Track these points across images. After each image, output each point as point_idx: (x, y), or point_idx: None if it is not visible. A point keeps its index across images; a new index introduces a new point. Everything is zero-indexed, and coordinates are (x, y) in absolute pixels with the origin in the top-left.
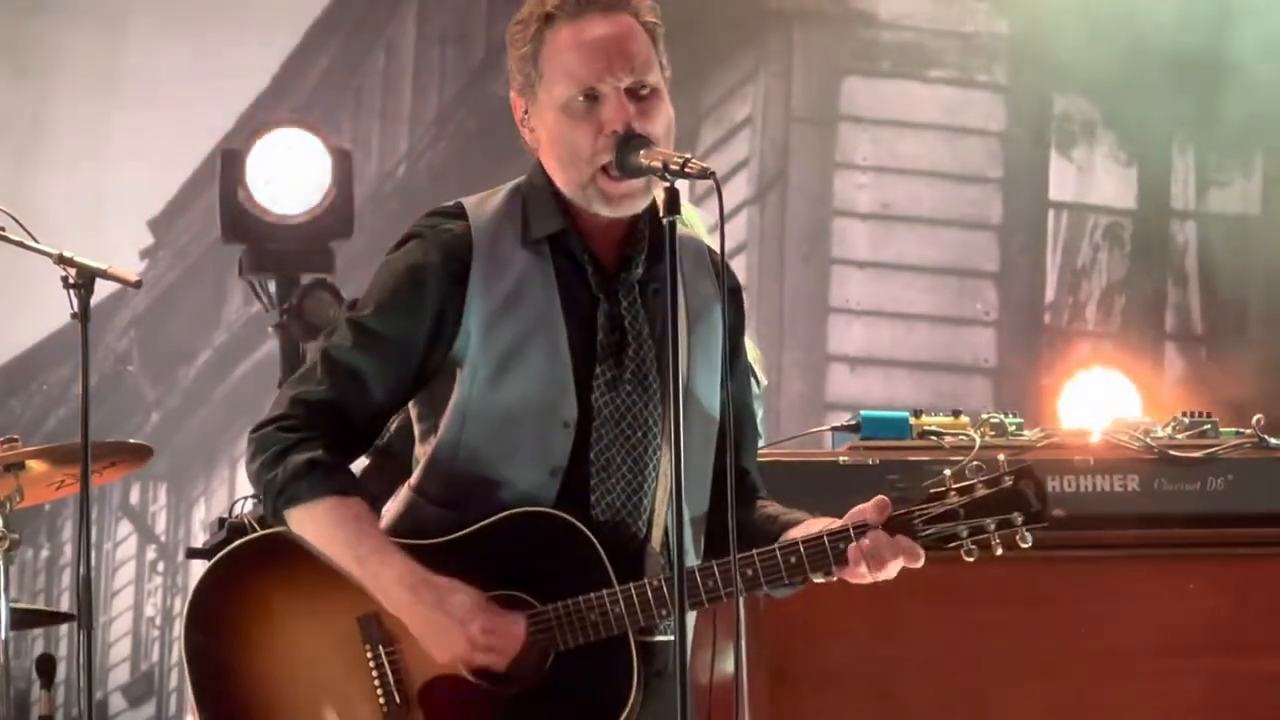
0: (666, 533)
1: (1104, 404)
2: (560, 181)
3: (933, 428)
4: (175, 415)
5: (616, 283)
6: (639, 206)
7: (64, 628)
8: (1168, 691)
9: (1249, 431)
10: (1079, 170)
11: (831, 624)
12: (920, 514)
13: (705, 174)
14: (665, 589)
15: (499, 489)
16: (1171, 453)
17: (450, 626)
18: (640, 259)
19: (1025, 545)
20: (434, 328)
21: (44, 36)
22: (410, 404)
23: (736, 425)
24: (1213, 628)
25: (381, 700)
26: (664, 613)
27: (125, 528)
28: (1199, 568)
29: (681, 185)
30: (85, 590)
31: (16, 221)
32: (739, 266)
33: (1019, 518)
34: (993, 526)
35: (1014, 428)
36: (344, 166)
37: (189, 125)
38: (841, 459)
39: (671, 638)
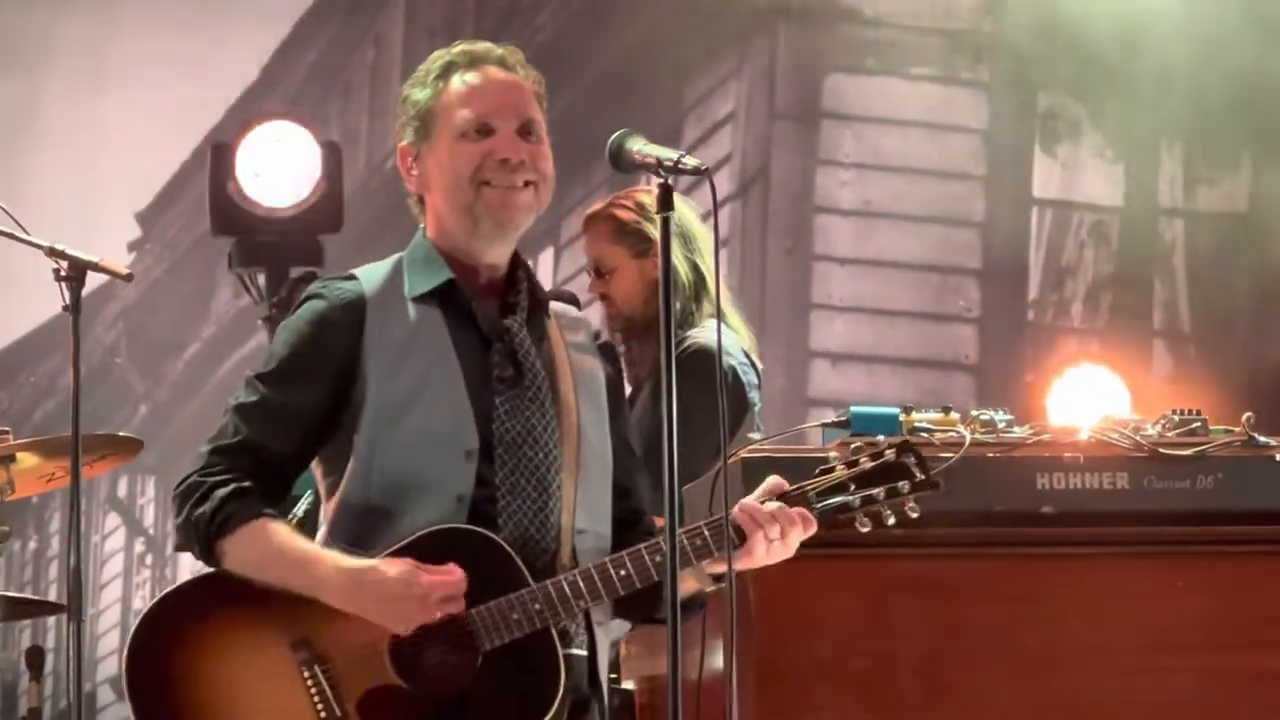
0: (574, 550)
1: (1093, 401)
2: (446, 215)
3: (923, 424)
4: (164, 408)
5: (504, 324)
6: (523, 223)
7: (51, 620)
8: (1157, 689)
9: (1239, 429)
10: (1064, 168)
11: (821, 620)
12: (813, 487)
13: (699, 171)
14: (581, 581)
15: (407, 520)
16: (1161, 450)
17: (398, 599)
18: (524, 304)
19: (914, 515)
20: (335, 378)
21: (33, 28)
22: (316, 463)
23: (627, 471)
24: (1202, 625)
25: (323, 716)
26: (581, 604)
27: (113, 520)
28: (1188, 565)
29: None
30: (75, 581)
31: (7, 213)
32: (720, 262)
33: (905, 486)
34: (881, 496)
35: (1003, 424)
36: (334, 160)
37: (177, 118)
38: (831, 455)
39: (583, 652)
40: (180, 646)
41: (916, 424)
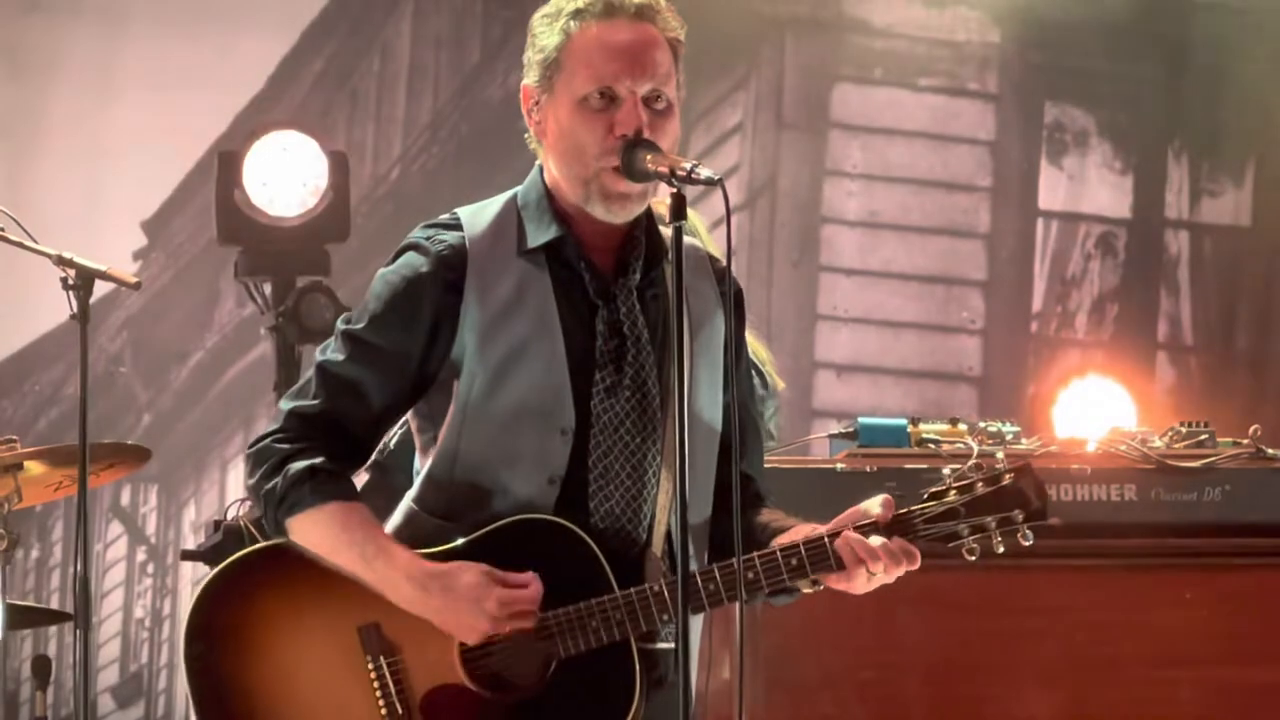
0: (668, 538)
1: (1098, 412)
2: (561, 176)
3: (930, 435)
4: (167, 417)
5: (614, 288)
6: (633, 212)
7: (53, 629)
8: (1164, 700)
9: (1246, 442)
10: (1070, 179)
11: (828, 631)
12: (921, 513)
13: (712, 181)
14: (667, 593)
15: (497, 498)
16: (1169, 462)
17: (466, 609)
18: (638, 265)
19: (1027, 543)
20: (429, 339)
21: (40, 36)
22: (410, 415)
23: (740, 431)
24: (1209, 637)
25: (384, 711)
26: (665, 618)
27: (116, 529)
28: (1196, 577)
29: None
30: (83, 590)
31: (16, 222)
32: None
33: (1020, 515)
34: (994, 524)
35: (1011, 436)
36: (340, 169)
37: (183, 126)
38: (839, 466)
39: (673, 645)
40: (242, 618)
41: (924, 435)
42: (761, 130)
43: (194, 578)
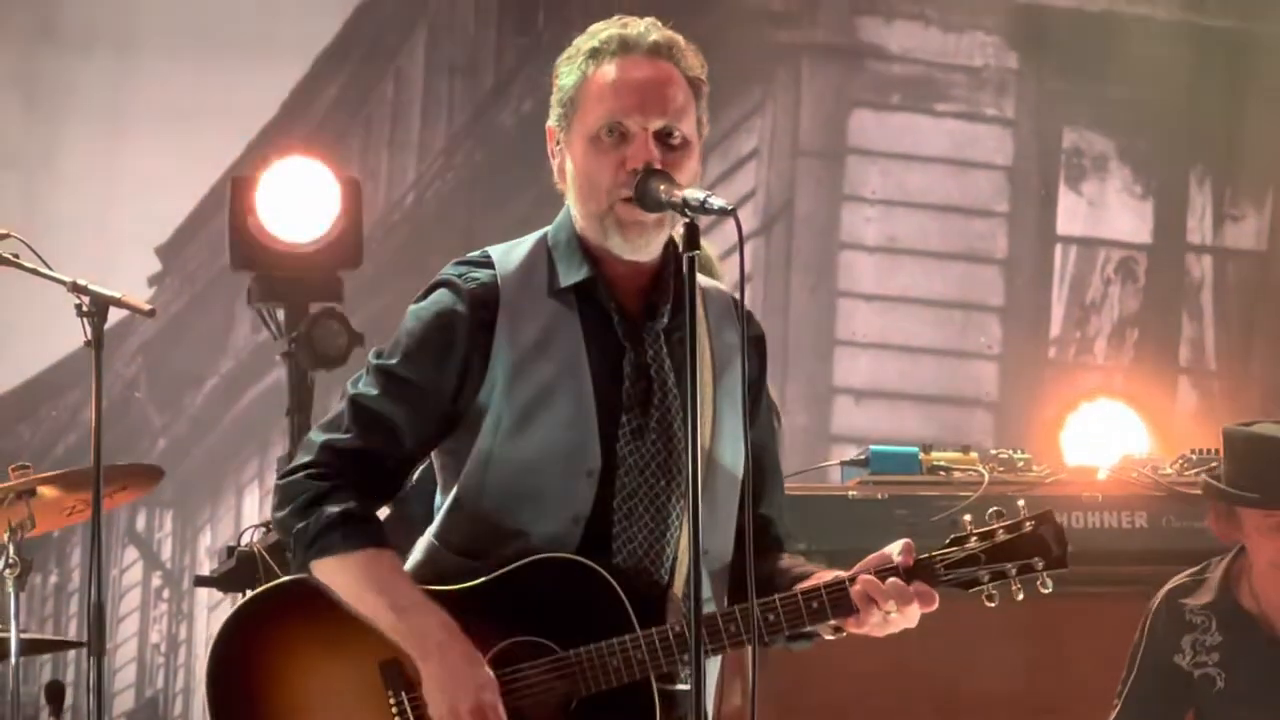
0: (689, 580)
1: (1107, 437)
2: (580, 215)
3: (941, 463)
4: (182, 442)
5: (642, 331)
6: (652, 243)
7: (71, 654)
8: None
9: None
10: (1089, 204)
11: (839, 660)
12: (942, 559)
13: (725, 211)
14: (687, 633)
15: (520, 538)
16: (1179, 490)
17: (459, 686)
18: (666, 308)
19: (1046, 590)
20: (461, 377)
21: (54, 66)
22: (433, 452)
23: (759, 474)
24: None
25: None
26: (685, 658)
27: (131, 554)
28: None
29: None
30: (96, 617)
31: (31, 249)
32: (743, 299)
33: (1039, 563)
34: (1014, 571)
35: (1022, 464)
36: (353, 195)
37: (197, 153)
38: (851, 493)
39: (687, 686)
40: (265, 651)
41: (936, 462)
42: (778, 156)
43: (209, 603)
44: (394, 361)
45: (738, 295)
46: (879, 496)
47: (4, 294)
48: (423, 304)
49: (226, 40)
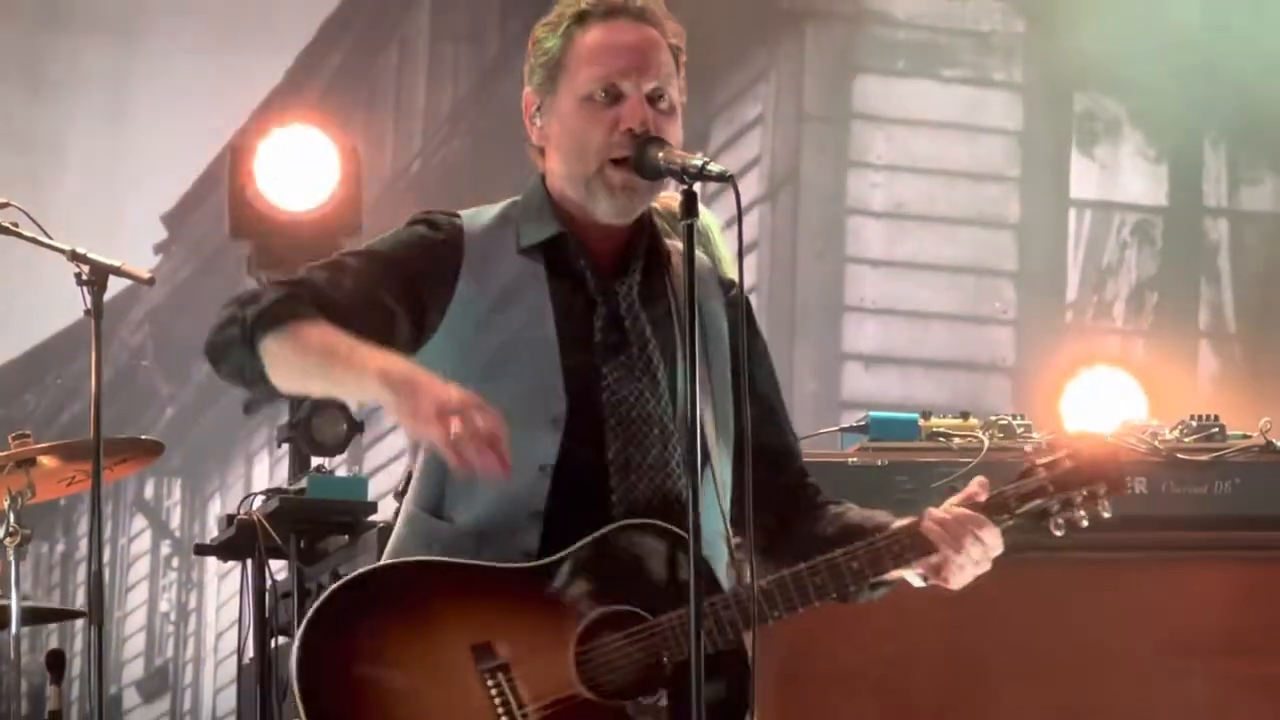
0: (725, 539)
1: (1106, 402)
2: (564, 176)
3: (941, 429)
4: (189, 411)
5: (615, 286)
6: (638, 207)
7: (79, 623)
8: (1174, 694)
9: (1256, 435)
10: (1102, 168)
11: (840, 625)
12: (1014, 491)
13: (723, 177)
14: (777, 590)
15: (485, 490)
16: (1179, 455)
17: (428, 387)
18: (638, 266)
19: (1106, 515)
20: (419, 285)
21: (60, 44)
22: None
23: (781, 434)
24: (1219, 631)
25: None
26: (776, 614)
27: (140, 522)
28: (1205, 570)
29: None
30: (97, 587)
31: (30, 218)
32: (749, 265)
33: (1102, 488)
34: (1079, 499)
35: (1022, 430)
36: (352, 163)
37: (204, 120)
38: (851, 460)
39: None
40: (355, 645)
41: (935, 429)
42: (782, 122)
43: (219, 572)
44: (357, 248)
45: (738, 263)
46: (879, 463)
47: (8, 262)
48: (393, 230)
49: (233, 7)
